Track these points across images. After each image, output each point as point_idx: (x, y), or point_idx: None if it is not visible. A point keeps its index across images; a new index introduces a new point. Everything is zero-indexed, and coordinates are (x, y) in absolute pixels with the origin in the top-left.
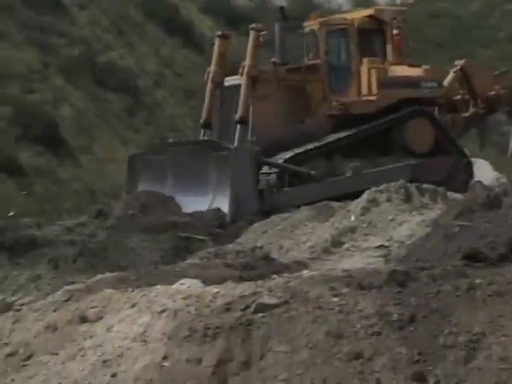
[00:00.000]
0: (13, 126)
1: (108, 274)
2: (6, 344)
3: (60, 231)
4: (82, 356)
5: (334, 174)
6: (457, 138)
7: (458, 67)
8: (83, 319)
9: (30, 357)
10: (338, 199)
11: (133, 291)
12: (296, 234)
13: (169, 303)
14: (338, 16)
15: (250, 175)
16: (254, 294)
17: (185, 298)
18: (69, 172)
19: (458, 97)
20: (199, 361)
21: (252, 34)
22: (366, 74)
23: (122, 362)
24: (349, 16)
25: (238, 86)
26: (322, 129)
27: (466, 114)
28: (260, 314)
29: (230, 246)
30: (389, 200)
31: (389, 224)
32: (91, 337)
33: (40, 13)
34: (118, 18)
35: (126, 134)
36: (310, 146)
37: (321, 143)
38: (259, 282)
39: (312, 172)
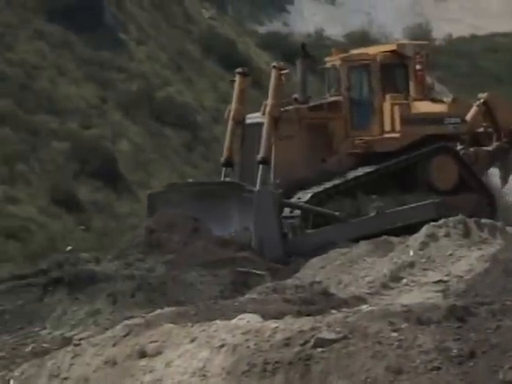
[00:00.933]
0: (71, 161)
1: (167, 309)
2: (65, 378)
3: (118, 266)
4: None
5: (358, 214)
6: (480, 173)
7: (481, 100)
8: (142, 354)
9: None
10: (363, 238)
11: (192, 326)
12: (355, 269)
13: (228, 338)
14: (359, 51)
15: (274, 218)
16: (313, 329)
17: (244, 333)
18: (127, 207)
19: (481, 129)
20: None
21: (274, 72)
22: (389, 110)
23: None
24: (371, 51)
25: (259, 125)
26: (344, 167)
27: (490, 148)
28: (319, 349)
29: (289, 281)
30: (447, 235)
31: (447, 259)
32: (151, 371)
33: (99, 48)
34: (176, 54)
35: (184, 169)
36: (331, 184)
37: (343, 180)
38: (318, 317)
39: (336, 213)
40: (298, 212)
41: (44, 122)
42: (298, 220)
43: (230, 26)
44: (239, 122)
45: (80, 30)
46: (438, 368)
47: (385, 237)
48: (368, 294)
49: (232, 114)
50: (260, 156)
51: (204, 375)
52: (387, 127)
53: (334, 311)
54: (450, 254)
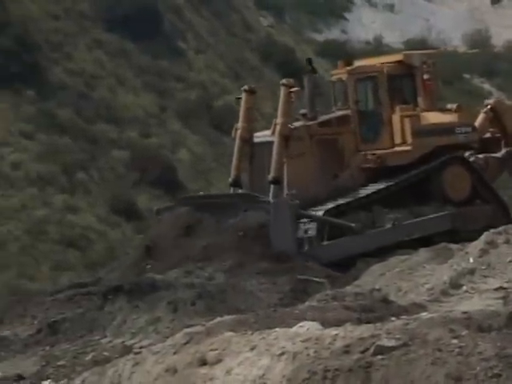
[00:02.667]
0: (130, 170)
1: (227, 317)
2: None
3: (179, 274)
4: None
5: (374, 225)
6: (491, 181)
7: (489, 106)
8: (203, 362)
9: None
10: (379, 250)
11: (252, 334)
12: (414, 276)
13: (288, 346)
14: (366, 63)
15: (290, 229)
16: (373, 336)
17: (304, 341)
18: None
19: (488, 135)
20: None
21: (283, 90)
22: (399, 122)
23: None
24: (377, 62)
25: (269, 143)
26: (357, 182)
27: (499, 155)
28: (379, 357)
29: (349, 288)
30: (507, 242)
31: (507, 266)
32: (211, 379)
33: (157, 57)
34: (234, 62)
35: None
36: (345, 201)
37: (356, 197)
38: (378, 325)
39: (352, 225)
40: (313, 225)
41: (103, 130)
42: (314, 231)
43: (288, 34)
44: (247, 140)
45: (138, 38)
46: (499, 375)
47: (444, 244)
48: (428, 301)
49: (239, 132)
50: (271, 176)
51: (264, 383)
52: (398, 140)
53: (393, 318)
54: (510, 261)
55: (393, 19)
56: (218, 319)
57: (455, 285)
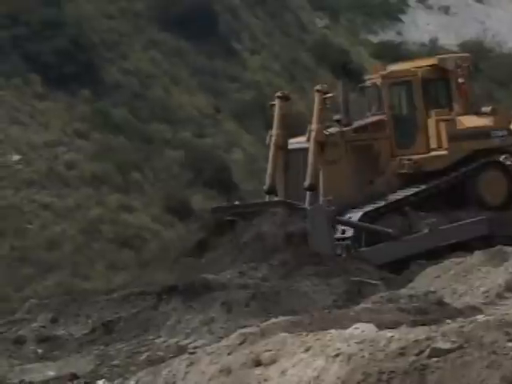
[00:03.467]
0: (185, 169)
1: (282, 318)
2: None
3: (232, 275)
4: None
5: (410, 231)
6: None
7: None
8: (257, 362)
9: None
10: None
11: (307, 335)
12: (469, 279)
13: (343, 347)
14: (400, 68)
15: (328, 236)
16: (428, 338)
17: (359, 343)
18: None
19: None
20: None
21: (317, 96)
22: (435, 127)
23: None
24: (411, 67)
25: (304, 150)
26: (393, 187)
27: None
28: (434, 359)
29: (403, 291)
30: None
31: None
32: (265, 380)
33: (212, 58)
34: (289, 63)
35: None
36: (382, 203)
37: (395, 198)
38: (433, 327)
39: (390, 231)
40: (350, 233)
41: (158, 130)
42: (351, 239)
43: (344, 36)
44: (281, 147)
45: (193, 38)
46: None
47: (499, 246)
48: (483, 303)
49: (274, 139)
50: (307, 183)
51: None
52: (433, 144)
53: (449, 321)
54: None
55: (448, 21)
56: (273, 320)
57: (511, 287)
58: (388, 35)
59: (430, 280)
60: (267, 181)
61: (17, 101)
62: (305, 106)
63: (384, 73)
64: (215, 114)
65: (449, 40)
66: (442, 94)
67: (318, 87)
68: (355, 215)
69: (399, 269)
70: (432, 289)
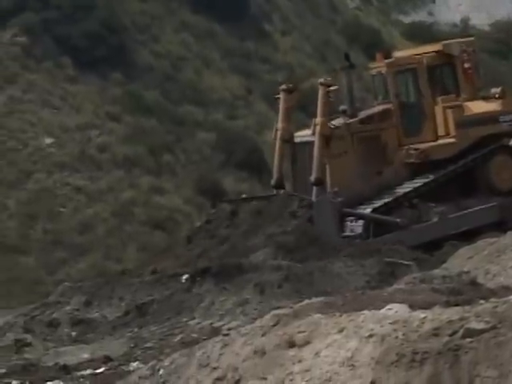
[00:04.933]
0: (216, 151)
1: (315, 299)
2: (214, 368)
3: (265, 256)
4: (291, 380)
5: (420, 220)
6: None
7: None
8: (291, 344)
9: (238, 381)
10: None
11: (340, 316)
12: (502, 259)
13: (376, 328)
14: (404, 55)
15: (334, 227)
16: (462, 319)
17: (392, 323)
18: None
19: None
20: None
21: (321, 89)
22: (442, 114)
23: None
24: (416, 53)
25: (310, 143)
26: (401, 177)
27: None
28: (468, 339)
29: (436, 271)
30: None
31: None
32: (299, 361)
33: (243, 39)
34: (320, 44)
35: None
36: (392, 197)
37: (403, 191)
38: (466, 307)
39: (398, 220)
40: (360, 223)
41: (189, 112)
42: (360, 229)
43: (375, 16)
44: (287, 141)
45: (225, 20)
46: None
47: None
48: None
49: (279, 133)
50: (313, 177)
51: (353, 365)
52: (441, 131)
53: (482, 301)
54: None
55: (479, 1)
56: (306, 301)
57: None
58: (419, 15)
59: (463, 260)
60: (274, 175)
61: (48, 84)
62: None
63: (389, 61)
64: (247, 95)
65: (480, 20)
66: (448, 80)
67: (321, 80)
68: (366, 209)
69: (432, 250)
70: (465, 269)
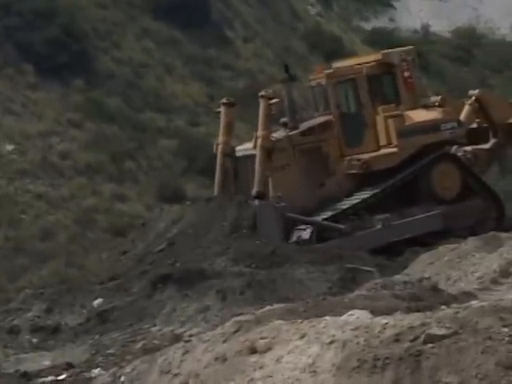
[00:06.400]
0: (178, 158)
1: (276, 306)
2: (175, 375)
3: (227, 262)
4: None
5: (363, 227)
6: (481, 173)
7: (473, 98)
8: (253, 350)
9: None
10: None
11: (302, 322)
12: (463, 265)
13: (338, 334)
14: (344, 65)
15: (278, 231)
16: (423, 324)
17: (354, 329)
18: None
19: (474, 125)
20: None
21: (262, 102)
22: (383, 124)
23: None
24: (355, 64)
25: (251, 157)
26: (344, 189)
27: (487, 146)
28: (429, 345)
29: (398, 277)
30: None
31: None
32: (261, 367)
33: (205, 46)
34: (282, 51)
35: None
36: (333, 212)
37: (344, 207)
38: (428, 313)
39: (342, 226)
40: (308, 229)
41: (151, 119)
42: (307, 234)
43: (336, 23)
44: (228, 155)
45: (186, 27)
46: None
47: (493, 232)
48: (478, 289)
49: (220, 147)
50: (255, 190)
51: (314, 371)
52: (383, 141)
53: (443, 307)
54: None
55: (441, 7)
56: (268, 308)
57: (505, 273)
58: (381, 22)
59: (424, 266)
60: (216, 190)
61: (10, 91)
62: (297, 93)
63: (328, 72)
64: (208, 102)
65: (441, 26)
66: (388, 89)
67: (262, 93)
68: (305, 232)
69: (393, 256)
70: (426, 275)
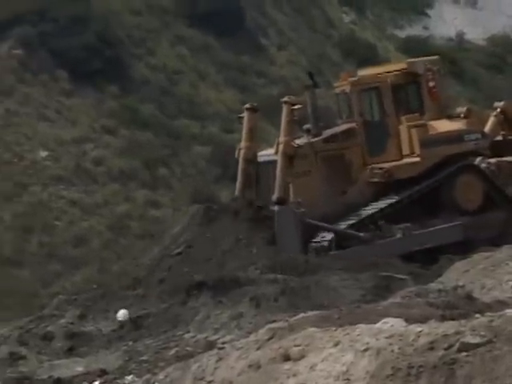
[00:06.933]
0: (212, 165)
1: (310, 313)
2: (209, 382)
3: (262, 270)
4: None
5: (384, 236)
6: (505, 187)
7: (498, 110)
8: (286, 357)
9: None
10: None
11: (336, 330)
12: (498, 273)
13: (372, 342)
14: (369, 73)
15: (296, 237)
16: (457, 333)
17: (388, 337)
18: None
19: (500, 138)
20: None
21: (285, 107)
22: (407, 133)
23: None
24: (380, 72)
25: (273, 163)
26: (366, 197)
27: (511, 159)
28: (463, 353)
29: (432, 285)
30: None
31: None
32: (294, 375)
33: (239, 54)
34: (316, 58)
35: None
36: (354, 220)
37: (366, 215)
38: (462, 322)
39: (361, 234)
40: (328, 236)
41: (185, 126)
42: (326, 242)
43: (370, 31)
44: (250, 160)
45: (220, 34)
46: None
47: None
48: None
49: (243, 153)
50: (275, 196)
51: (348, 379)
52: (406, 151)
53: (477, 315)
54: None
55: (475, 15)
56: (301, 315)
57: None
58: (415, 30)
59: (458, 274)
60: (237, 194)
61: (44, 97)
62: (332, 101)
63: (353, 79)
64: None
65: (476, 34)
66: (412, 98)
67: (285, 98)
68: (325, 240)
69: (427, 264)
70: (461, 283)
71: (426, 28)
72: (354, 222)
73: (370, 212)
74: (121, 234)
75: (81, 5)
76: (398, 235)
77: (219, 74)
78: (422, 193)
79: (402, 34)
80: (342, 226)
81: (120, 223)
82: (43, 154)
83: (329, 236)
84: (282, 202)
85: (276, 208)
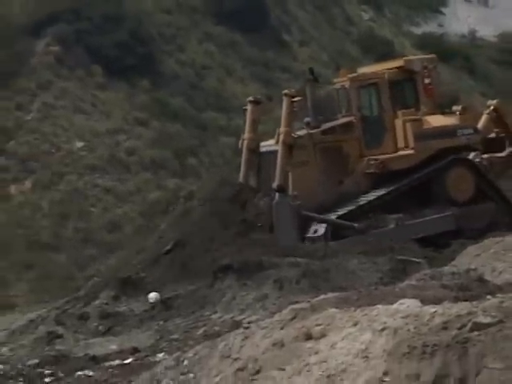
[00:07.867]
0: (238, 155)
1: (331, 294)
2: (236, 359)
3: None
4: (308, 371)
5: (377, 226)
6: (495, 180)
7: (491, 108)
8: (308, 336)
9: (258, 372)
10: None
11: (355, 310)
12: (508, 257)
13: (389, 322)
14: (367, 70)
15: (293, 229)
16: (470, 313)
17: (404, 317)
18: None
19: (493, 135)
20: (418, 376)
21: (285, 100)
22: (402, 127)
23: (344, 377)
24: (378, 69)
25: (274, 152)
26: (362, 187)
27: (503, 154)
28: (475, 333)
29: (446, 268)
30: None
31: None
32: (316, 353)
33: (263, 49)
34: (336, 54)
35: None
36: (351, 207)
37: (362, 203)
38: (474, 303)
39: (355, 225)
40: (322, 226)
41: (212, 118)
42: (322, 232)
43: (388, 28)
44: (253, 150)
45: (246, 31)
46: None
47: None
48: None
49: (246, 143)
50: (275, 184)
51: (366, 356)
52: (401, 144)
53: (489, 297)
54: None
55: (487, 14)
56: (322, 296)
57: None
58: (430, 27)
59: (470, 258)
60: (241, 181)
61: (80, 91)
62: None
63: (352, 76)
64: (266, 102)
65: (488, 31)
66: (409, 94)
67: (286, 91)
68: (320, 230)
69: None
70: (473, 266)
71: (440, 25)
72: (348, 210)
73: (364, 201)
74: (152, 220)
75: (114, 4)
76: (391, 225)
77: (245, 69)
78: (414, 183)
79: (417, 30)
80: (338, 213)
81: (151, 210)
82: (79, 144)
83: (321, 229)
84: (281, 189)
85: (274, 200)
